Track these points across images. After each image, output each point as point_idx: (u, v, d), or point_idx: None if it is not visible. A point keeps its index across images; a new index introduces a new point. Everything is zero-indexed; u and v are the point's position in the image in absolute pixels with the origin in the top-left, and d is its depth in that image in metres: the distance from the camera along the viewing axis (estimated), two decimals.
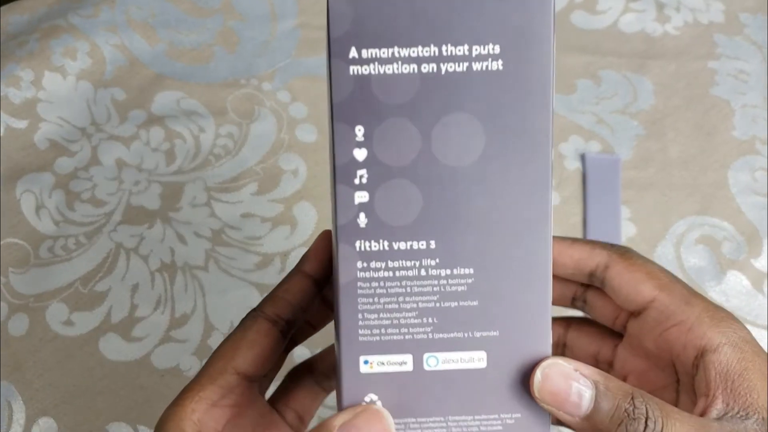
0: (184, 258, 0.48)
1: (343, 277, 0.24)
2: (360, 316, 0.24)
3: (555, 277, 0.30)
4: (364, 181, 0.23)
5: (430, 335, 0.24)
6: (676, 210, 0.50)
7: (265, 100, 0.55)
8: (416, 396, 0.25)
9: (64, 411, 0.43)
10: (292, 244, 0.49)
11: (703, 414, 0.24)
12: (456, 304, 0.24)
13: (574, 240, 0.29)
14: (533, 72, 0.22)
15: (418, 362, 0.24)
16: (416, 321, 0.24)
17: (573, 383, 0.24)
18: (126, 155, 0.53)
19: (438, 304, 0.24)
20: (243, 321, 0.28)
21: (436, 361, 0.25)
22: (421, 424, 0.25)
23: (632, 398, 0.23)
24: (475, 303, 0.24)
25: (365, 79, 0.22)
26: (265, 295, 0.29)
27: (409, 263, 0.24)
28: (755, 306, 0.46)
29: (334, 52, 0.22)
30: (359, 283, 0.24)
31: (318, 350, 0.33)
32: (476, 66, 0.22)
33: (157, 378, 0.44)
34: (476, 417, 0.25)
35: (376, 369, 0.24)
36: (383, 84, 0.22)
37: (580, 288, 0.30)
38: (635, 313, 0.28)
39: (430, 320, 0.24)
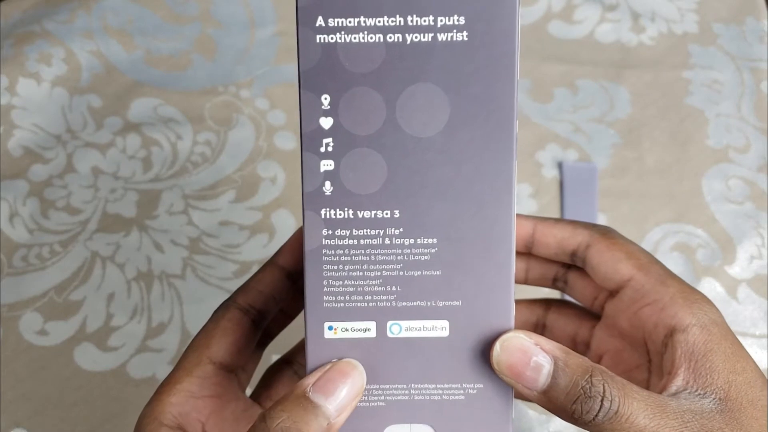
0: (161, 266, 0.48)
1: (308, 243, 0.24)
2: (325, 282, 0.24)
3: (538, 257, 0.30)
4: (330, 149, 0.23)
5: (394, 303, 0.25)
6: (652, 217, 0.51)
7: (243, 108, 0.55)
8: (379, 363, 0.25)
9: (38, 422, 0.43)
10: (271, 252, 0.49)
11: (662, 389, 0.25)
12: (419, 273, 0.24)
13: (557, 220, 0.29)
14: (498, 43, 0.22)
15: (381, 329, 0.25)
16: (380, 289, 0.24)
17: (532, 357, 0.24)
18: (102, 163, 0.52)
19: (401, 273, 0.24)
20: (215, 312, 0.28)
21: (399, 329, 0.25)
22: (384, 391, 0.25)
23: (590, 376, 0.23)
24: (438, 273, 0.24)
25: (332, 48, 0.23)
26: None
27: (373, 232, 0.24)
28: (729, 312, 0.47)
29: (302, 21, 0.22)
30: (324, 250, 0.24)
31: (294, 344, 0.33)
32: (441, 36, 0.22)
33: (133, 388, 0.44)
34: (439, 386, 0.25)
35: (340, 335, 0.25)
36: (349, 53, 0.23)
37: (561, 269, 0.31)
38: (613, 293, 0.29)
39: (393, 288, 0.24)
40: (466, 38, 0.22)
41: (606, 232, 0.29)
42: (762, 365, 0.45)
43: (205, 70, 0.57)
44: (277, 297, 0.28)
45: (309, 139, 0.23)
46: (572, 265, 0.31)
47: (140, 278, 0.47)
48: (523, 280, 0.32)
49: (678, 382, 0.25)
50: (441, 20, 0.22)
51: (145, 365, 0.44)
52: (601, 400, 0.23)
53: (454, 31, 0.22)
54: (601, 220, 0.51)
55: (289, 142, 0.54)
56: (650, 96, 0.57)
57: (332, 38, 0.23)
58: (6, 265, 0.48)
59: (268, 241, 0.49)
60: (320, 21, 0.22)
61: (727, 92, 0.57)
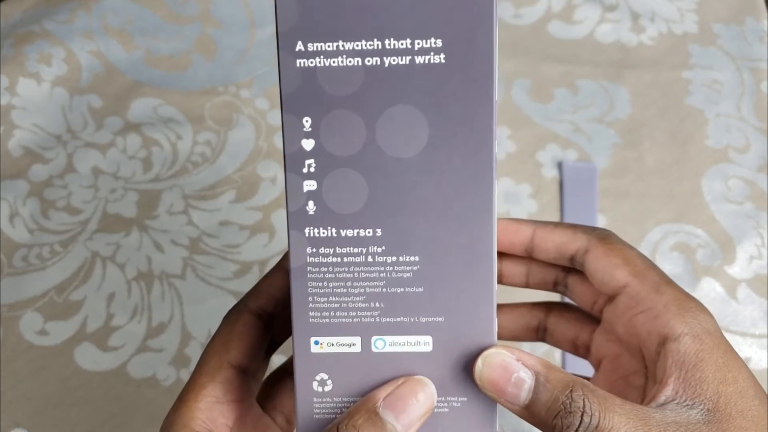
0: (161, 266, 0.48)
1: (294, 261, 0.25)
2: (310, 299, 0.25)
3: (538, 261, 0.30)
4: (312, 170, 0.24)
5: (378, 319, 0.25)
6: (652, 217, 0.51)
7: (243, 108, 0.55)
8: (365, 376, 0.25)
9: (39, 422, 0.43)
10: (271, 252, 0.49)
11: (652, 398, 0.25)
12: (402, 290, 0.25)
13: (557, 224, 0.29)
14: (475, 65, 0.22)
15: (366, 344, 0.25)
16: (364, 305, 0.25)
17: (513, 373, 0.24)
18: (102, 163, 0.52)
19: (384, 290, 0.25)
20: (228, 317, 0.28)
21: (383, 344, 0.25)
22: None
23: (571, 391, 0.23)
24: (421, 289, 0.25)
25: (311, 72, 0.23)
26: None
27: (356, 250, 0.24)
28: (729, 312, 0.47)
29: (282, 46, 0.23)
30: (309, 268, 0.25)
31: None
32: (419, 59, 0.22)
33: (134, 388, 0.44)
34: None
35: (326, 349, 0.25)
36: (329, 76, 0.23)
37: (561, 273, 0.31)
38: (611, 299, 0.29)
39: (377, 305, 0.25)
40: (443, 60, 0.22)
41: (604, 237, 0.29)
42: (762, 365, 0.45)
43: (205, 70, 0.57)
44: (285, 301, 0.28)
45: (292, 160, 0.24)
46: (572, 268, 0.31)
47: (140, 278, 0.47)
48: (524, 284, 0.32)
49: (667, 392, 0.25)
50: (418, 43, 0.22)
51: (146, 365, 0.44)
52: (581, 415, 0.23)
53: (432, 53, 0.22)
54: (601, 220, 0.51)
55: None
56: (650, 96, 0.57)
57: (312, 62, 0.23)
58: (6, 265, 0.48)
59: (269, 241, 0.49)
60: (300, 46, 0.23)
61: (727, 92, 0.57)
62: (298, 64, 0.23)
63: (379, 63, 0.23)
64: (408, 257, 0.24)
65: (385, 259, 0.24)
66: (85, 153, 0.53)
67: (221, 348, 0.27)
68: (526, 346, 0.45)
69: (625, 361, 0.29)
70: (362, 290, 0.25)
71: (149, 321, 0.46)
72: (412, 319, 0.25)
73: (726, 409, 0.24)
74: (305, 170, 0.24)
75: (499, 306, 0.32)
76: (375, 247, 0.24)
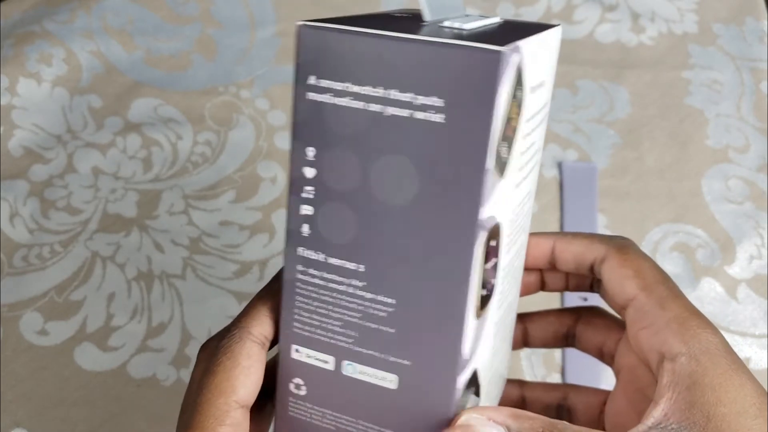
0: (162, 266, 0.48)
1: (286, 273, 0.26)
2: (296, 310, 0.26)
3: (562, 272, 0.31)
4: (311, 196, 0.25)
5: (351, 346, 0.26)
6: (652, 218, 0.51)
7: (243, 108, 0.55)
8: (334, 392, 0.26)
9: (39, 422, 0.43)
10: (271, 252, 0.49)
11: (642, 420, 0.25)
12: (376, 326, 0.25)
13: (575, 235, 0.29)
14: (472, 132, 0.22)
15: (338, 365, 0.26)
16: (340, 330, 0.26)
17: None
18: (102, 163, 0.52)
19: (360, 322, 0.25)
20: (228, 346, 0.26)
21: (353, 369, 0.26)
22: (336, 418, 0.27)
23: None
24: (393, 330, 0.25)
25: (320, 106, 0.24)
26: (243, 303, 0.28)
27: (339, 278, 0.25)
28: (729, 312, 0.47)
29: (298, 77, 0.24)
30: (298, 283, 0.26)
31: None
32: (418, 115, 0.23)
33: (134, 388, 0.44)
34: (384, 430, 0.26)
35: (304, 359, 0.26)
36: (335, 114, 0.24)
37: (571, 323, 0.31)
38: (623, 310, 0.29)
39: (352, 333, 0.26)
40: (443, 120, 0.22)
41: (621, 247, 0.28)
42: (762, 365, 0.45)
43: (205, 71, 0.57)
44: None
45: (294, 183, 0.25)
46: (579, 318, 0.31)
47: (140, 278, 0.47)
48: (564, 288, 0.31)
49: (656, 414, 0.24)
50: (419, 99, 0.23)
51: (146, 365, 0.44)
52: None
53: (432, 111, 0.23)
54: (601, 220, 0.51)
55: (288, 142, 0.54)
56: (650, 96, 0.57)
57: (321, 97, 0.24)
58: (6, 265, 0.48)
59: (269, 241, 0.49)
60: (312, 80, 0.24)
61: (727, 92, 0.57)
62: (308, 97, 0.24)
63: (380, 110, 0.23)
64: (385, 298, 0.25)
65: (364, 294, 0.25)
66: (86, 153, 0.53)
67: (227, 386, 0.25)
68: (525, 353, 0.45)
69: (641, 372, 0.29)
70: (341, 316, 0.26)
71: (149, 321, 0.46)
72: (381, 355, 0.25)
73: None
74: (304, 195, 0.25)
75: (529, 315, 0.33)
76: (356, 281, 0.25)
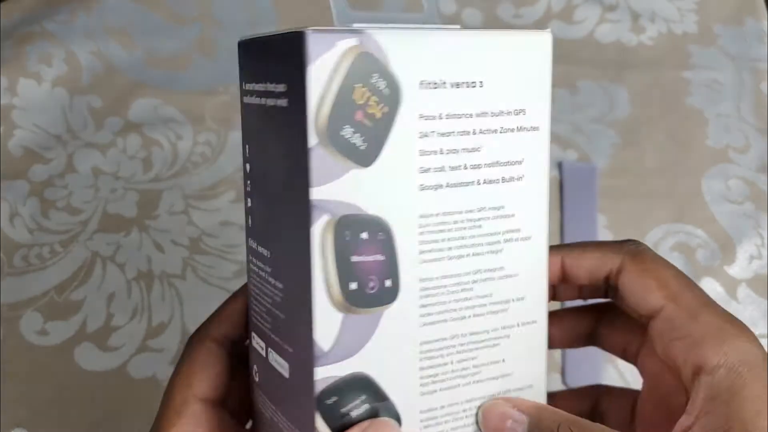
0: (162, 266, 0.48)
1: (247, 263, 0.28)
2: (251, 299, 0.28)
3: (574, 284, 0.29)
4: (249, 189, 0.27)
5: (269, 333, 0.27)
6: (652, 218, 0.51)
7: None
8: (268, 379, 0.27)
9: (39, 422, 0.43)
10: None
11: (680, 431, 0.24)
12: (277, 312, 0.26)
13: (584, 246, 0.28)
14: (297, 112, 0.23)
15: (266, 352, 0.27)
16: (265, 317, 0.27)
17: (508, 420, 0.25)
18: (102, 163, 0.52)
19: (272, 308, 0.26)
20: (189, 345, 0.28)
21: (272, 356, 0.27)
22: (269, 407, 0.27)
23: (558, 427, 0.24)
24: (283, 316, 0.25)
25: (247, 107, 0.27)
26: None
27: (260, 264, 0.27)
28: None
29: (239, 84, 0.28)
30: (250, 273, 0.28)
31: None
32: (279, 102, 0.24)
33: (134, 388, 0.44)
34: (284, 420, 0.26)
35: (255, 346, 0.28)
36: (250, 112, 0.27)
37: (592, 323, 0.30)
38: (647, 322, 0.28)
39: (269, 319, 0.26)
40: (285, 104, 0.24)
41: (637, 254, 0.27)
42: None
43: (205, 71, 0.57)
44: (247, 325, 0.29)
45: (244, 179, 0.27)
46: (602, 317, 0.30)
47: (140, 278, 0.47)
48: (578, 296, 0.31)
49: (695, 430, 0.24)
50: (278, 87, 0.24)
51: (146, 365, 0.44)
52: None
53: (282, 97, 0.24)
54: (601, 220, 0.51)
55: None
56: (650, 96, 0.57)
57: (247, 99, 0.27)
58: (6, 265, 0.48)
59: None
60: (244, 85, 0.28)
61: (727, 92, 0.57)
62: (243, 100, 0.27)
63: (264, 103, 0.25)
64: (278, 283, 0.25)
65: (270, 280, 0.26)
66: (86, 153, 0.53)
67: (184, 382, 0.27)
68: None
69: (667, 380, 0.28)
70: (264, 303, 0.26)
71: (149, 321, 0.46)
72: (282, 342, 0.26)
73: None
74: (246, 188, 0.27)
75: (549, 314, 0.31)
76: (267, 266, 0.26)
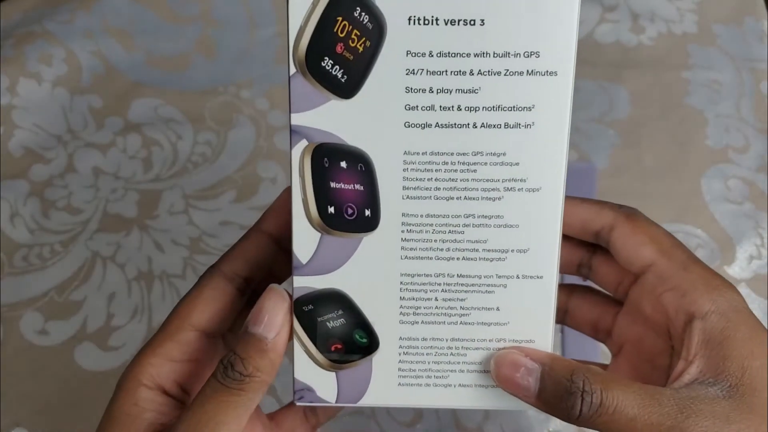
0: (162, 266, 0.48)
1: None
2: None
3: (564, 237, 0.30)
4: None
5: None
6: (652, 218, 0.51)
7: (243, 108, 0.55)
8: None
9: (39, 422, 0.43)
10: None
11: (677, 376, 0.25)
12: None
13: (583, 200, 0.30)
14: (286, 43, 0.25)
15: None
16: None
17: (521, 368, 0.26)
18: (103, 163, 0.52)
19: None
20: (200, 279, 0.29)
21: None
22: None
23: (572, 374, 0.25)
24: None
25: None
26: None
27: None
28: None
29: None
30: None
31: None
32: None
33: None
34: None
35: None
36: None
37: (586, 254, 0.31)
38: (636, 278, 0.29)
39: None
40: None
41: (630, 215, 0.29)
42: None
43: (205, 70, 0.57)
44: (263, 263, 0.29)
45: None
46: (596, 250, 0.31)
47: (141, 278, 0.47)
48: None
49: (692, 371, 0.25)
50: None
51: None
52: (582, 395, 0.24)
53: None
54: None
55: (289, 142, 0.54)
56: (650, 96, 0.57)
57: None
58: (7, 265, 0.48)
59: None
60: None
61: (727, 92, 0.57)
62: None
63: None
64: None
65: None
66: (86, 153, 0.53)
67: (185, 310, 0.28)
68: None
69: (650, 342, 0.29)
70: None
71: (149, 321, 0.46)
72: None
73: (751, 383, 0.24)
74: None
75: None
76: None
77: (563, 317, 0.33)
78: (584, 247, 0.31)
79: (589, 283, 0.32)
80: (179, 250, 0.49)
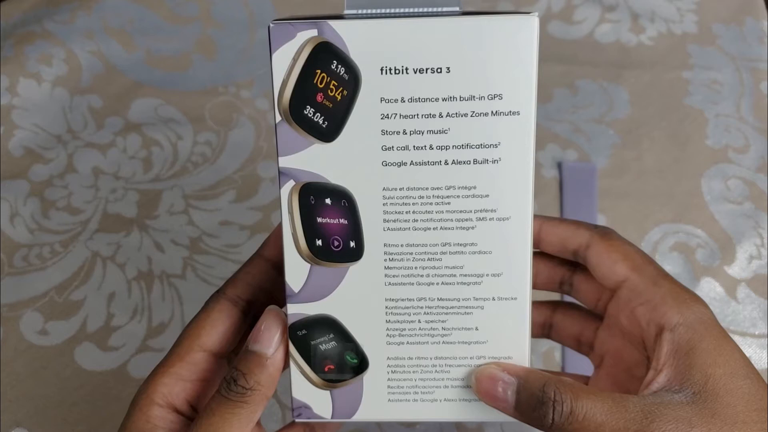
0: (162, 266, 0.48)
1: None
2: None
3: (545, 261, 0.33)
4: None
5: None
6: (652, 218, 0.51)
7: (243, 108, 0.55)
8: None
9: (39, 422, 0.43)
10: None
11: (647, 385, 0.27)
12: None
13: (561, 220, 0.32)
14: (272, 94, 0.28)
15: None
16: None
17: (499, 382, 0.28)
18: (102, 163, 0.52)
19: None
20: (206, 303, 0.31)
21: None
22: None
23: (544, 385, 0.26)
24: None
25: None
26: None
27: None
28: (728, 312, 0.47)
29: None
30: None
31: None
32: None
33: (134, 388, 0.44)
34: None
35: None
36: None
37: (567, 272, 0.33)
38: (613, 293, 0.31)
39: None
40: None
41: (605, 234, 0.31)
42: (762, 365, 0.45)
43: (205, 71, 0.57)
44: (264, 287, 0.31)
45: None
46: (577, 268, 0.33)
47: (141, 278, 0.47)
48: (533, 285, 0.33)
49: (660, 380, 0.27)
50: None
51: (146, 365, 0.44)
52: (553, 404, 0.26)
53: None
54: (601, 220, 0.51)
55: None
56: (650, 96, 0.57)
57: None
58: (7, 264, 0.48)
59: None
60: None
61: (727, 92, 0.57)
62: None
63: None
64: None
65: None
66: (86, 153, 0.53)
67: (194, 332, 0.30)
68: None
69: (627, 353, 0.31)
70: None
71: (149, 321, 0.46)
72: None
73: (714, 390, 0.26)
74: None
75: None
76: None
77: (548, 332, 0.35)
78: (565, 266, 0.33)
79: (571, 299, 0.34)
80: (179, 250, 0.49)
